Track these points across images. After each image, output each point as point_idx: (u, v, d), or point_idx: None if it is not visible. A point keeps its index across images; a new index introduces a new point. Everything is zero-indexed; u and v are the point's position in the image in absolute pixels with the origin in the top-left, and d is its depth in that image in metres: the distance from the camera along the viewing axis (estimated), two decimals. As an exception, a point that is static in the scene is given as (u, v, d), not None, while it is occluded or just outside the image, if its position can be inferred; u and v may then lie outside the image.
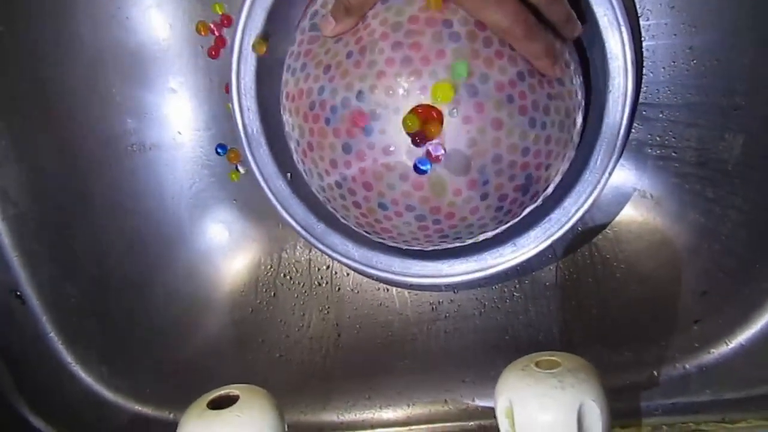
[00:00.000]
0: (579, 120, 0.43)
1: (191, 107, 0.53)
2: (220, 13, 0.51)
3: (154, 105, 0.53)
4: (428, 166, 0.39)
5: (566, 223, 0.47)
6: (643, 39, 0.47)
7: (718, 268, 0.47)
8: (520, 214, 0.45)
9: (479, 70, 0.37)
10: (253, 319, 0.54)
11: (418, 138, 0.38)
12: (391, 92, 0.38)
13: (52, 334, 0.52)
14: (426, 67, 0.37)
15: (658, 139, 0.49)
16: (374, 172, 0.39)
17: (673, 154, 0.49)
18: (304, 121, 0.41)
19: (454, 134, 0.38)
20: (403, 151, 0.38)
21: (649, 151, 0.49)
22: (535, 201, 0.44)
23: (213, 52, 0.52)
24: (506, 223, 0.45)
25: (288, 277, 0.55)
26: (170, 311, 0.55)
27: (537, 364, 0.38)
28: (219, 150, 0.53)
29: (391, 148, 0.39)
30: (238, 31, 0.46)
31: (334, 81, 0.39)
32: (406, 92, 0.38)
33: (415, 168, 0.39)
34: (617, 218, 0.51)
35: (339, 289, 0.54)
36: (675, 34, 0.46)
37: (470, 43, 0.37)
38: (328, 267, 0.55)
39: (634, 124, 0.48)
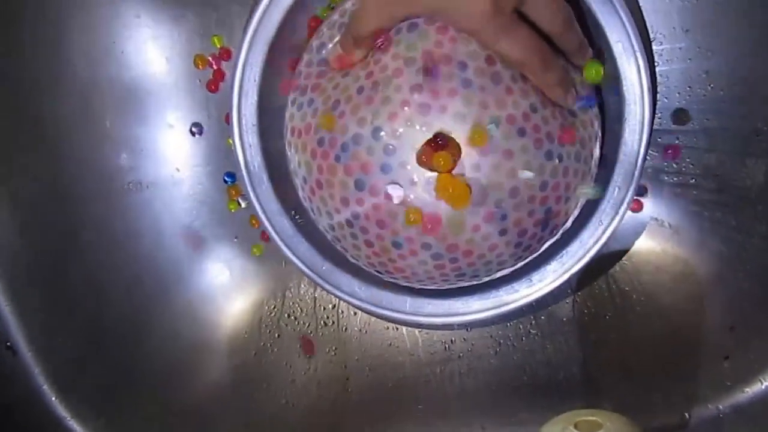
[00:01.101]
0: (596, 150, 0.42)
1: (189, 143, 0.51)
2: (219, 46, 0.49)
3: (150, 141, 0.51)
4: None
5: (584, 256, 0.45)
6: (656, 64, 0.45)
7: (745, 299, 0.45)
8: (539, 249, 0.43)
9: (495, 104, 0.36)
10: (256, 363, 0.52)
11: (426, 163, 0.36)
12: (408, 126, 0.36)
13: (45, 387, 0.49)
14: (445, 101, 0.36)
15: (674, 166, 0.47)
16: (389, 210, 0.38)
17: (691, 181, 0.47)
18: (312, 157, 0.40)
19: (468, 167, 0.37)
20: (421, 186, 0.37)
21: (666, 178, 0.48)
22: (555, 235, 0.42)
23: (212, 86, 0.50)
24: (525, 259, 0.43)
25: (293, 318, 0.53)
26: (169, 356, 0.52)
27: (576, 426, 0.36)
28: (227, 179, 0.51)
29: (412, 185, 0.37)
30: (239, 63, 0.44)
31: (344, 117, 0.38)
32: (424, 127, 0.36)
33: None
34: (634, 248, 0.49)
35: (346, 329, 0.52)
36: (690, 59, 0.45)
37: (480, 78, 0.36)
38: (334, 306, 0.52)
39: (649, 152, 0.47)
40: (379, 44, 0.37)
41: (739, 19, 0.43)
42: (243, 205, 0.51)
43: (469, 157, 0.36)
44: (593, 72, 0.40)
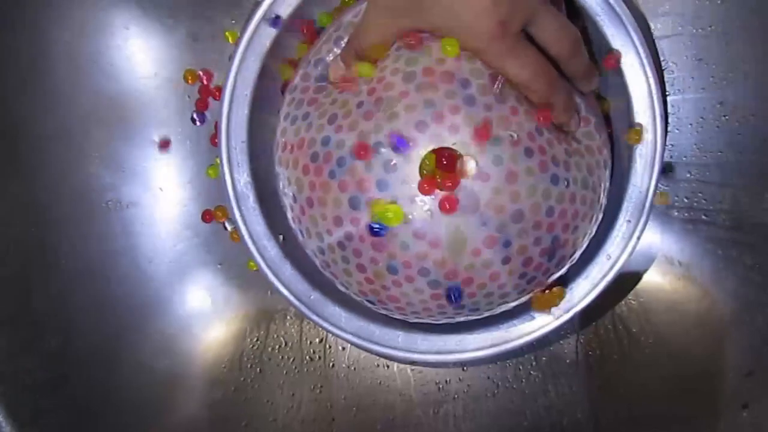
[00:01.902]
0: (605, 177, 0.39)
1: (175, 161, 0.49)
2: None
3: (134, 158, 0.48)
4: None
5: (590, 292, 0.42)
6: (667, 94, 0.43)
7: (764, 343, 0.42)
8: (544, 283, 0.40)
9: (495, 125, 0.34)
10: (236, 399, 0.48)
11: (428, 185, 0.34)
12: (411, 143, 0.34)
13: (2, 421, 0.45)
14: (453, 116, 0.34)
15: (685, 200, 0.45)
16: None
17: (704, 217, 0.44)
18: (304, 173, 0.37)
19: (469, 187, 0.35)
20: (427, 204, 0.34)
21: (676, 213, 0.45)
22: (561, 268, 0.40)
23: (200, 104, 0.48)
24: (529, 293, 0.40)
25: (276, 351, 0.49)
26: (142, 389, 0.48)
27: None
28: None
29: (411, 203, 0.35)
30: (230, 78, 0.42)
31: (341, 132, 0.35)
32: (429, 140, 0.34)
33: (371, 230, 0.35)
34: (643, 286, 0.46)
35: (333, 365, 0.49)
36: (703, 88, 0.43)
37: (484, 96, 0.34)
38: (321, 340, 0.49)
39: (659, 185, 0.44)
40: (410, 42, 0.35)
41: (755, 48, 0.41)
42: (229, 228, 0.49)
43: (471, 176, 0.34)
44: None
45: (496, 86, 0.35)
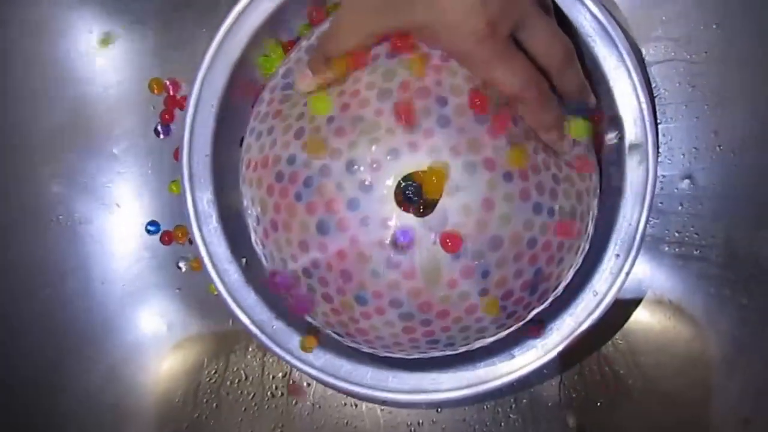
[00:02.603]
0: (594, 206, 0.37)
1: (135, 176, 0.45)
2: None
3: (91, 171, 0.45)
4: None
5: (575, 330, 0.39)
6: (659, 122, 0.41)
7: (761, 389, 0.39)
8: (525, 317, 0.37)
9: (472, 147, 0.32)
10: (188, 437, 0.44)
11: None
12: (389, 159, 0.32)
13: None
14: (426, 139, 0.32)
15: (676, 235, 0.42)
16: (357, 256, 0.32)
17: (696, 252, 0.42)
18: (268, 194, 0.34)
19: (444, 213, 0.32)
20: (394, 227, 0.32)
21: (666, 248, 0.43)
22: (544, 302, 0.37)
23: (165, 115, 0.45)
24: (508, 328, 0.37)
25: (235, 385, 0.45)
26: (86, 421, 0.44)
27: None
28: (150, 228, 0.45)
29: (384, 227, 0.32)
30: (195, 86, 0.39)
31: (308, 148, 0.32)
32: (406, 157, 0.32)
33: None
34: (630, 325, 0.43)
35: (297, 402, 0.45)
36: (697, 117, 0.41)
37: (460, 118, 0.31)
38: (284, 375, 0.45)
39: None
40: (397, 45, 0.32)
41: (752, 76, 0.39)
42: (182, 267, 0.45)
43: (443, 203, 0.32)
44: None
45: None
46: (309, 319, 0.38)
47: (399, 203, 0.32)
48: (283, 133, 0.34)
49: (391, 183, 0.32)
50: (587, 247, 0.37)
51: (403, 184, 0.32)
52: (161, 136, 0.45)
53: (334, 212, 0.32)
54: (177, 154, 0.44)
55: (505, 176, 0.32)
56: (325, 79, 0.34)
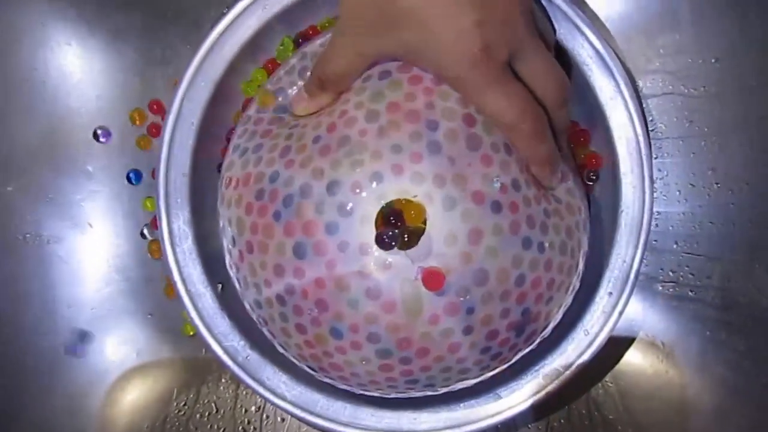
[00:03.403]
0: (584, 241, 0.35)
1: (109, 195, 0.43)
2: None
3: (62, 187, 0.43)
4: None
5: (564, 372, 0.37)
6: (654, 157, 0.40)
7: (757, 442, 0.37)
8: (510, 360, 0.35)
9: (460, 178, 0.30)
10: (152, 474, 0.42)
11: (389, 238, 0.29)
12: (372, 183, 0.30)
13: None
14: (414, 165, 0.30)
15: (671, 274, 0.41)
16: (335, 284, 0.30)
17: (690, 293, 0.40)
18: (246, 213, 0.32)
19: (426, 244, 0.30)
20: (380, 258, 0.30)
21: (660, 288, 0.41)
22: (531, 344, 0.35)
23: (142, 142, 0.43)
24: (492, 369, 0.35)
25: (206, 419, 0.43)
26: (44, 455, 0.41)
27: None
28: (131, 176, 0.43)
29: (363, 254, 0.30)
30: (175, 102, 0.37)
31: (291, 167, 0.31)
32: (390, 183, 0.30)
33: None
34: (621, 368, 0.41)
35: (269, 439, 0.42)
36: (693, 153, 0.40)
37: (451, 144, 0.30)
38: (259, 409, 0.43)
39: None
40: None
41: (751, 112, 0.38)
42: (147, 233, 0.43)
43: (428, 234, 0.30)
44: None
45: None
46: (282, 350, 0.35)
47: (379, 228, 0.30)
48: (269, 151, 0.33)
49: (372, 209, 0.30)
50: (578, 285, 0.35)
51: (386, 209, 0.30)
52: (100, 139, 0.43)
53: (311, 235, 0.30)
54: (155, 174, 0.42)
55: (493, 208, 0.30)
56: (320, 103, 0.33)
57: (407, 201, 0.30)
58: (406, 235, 0.30)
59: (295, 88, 0.36)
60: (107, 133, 0.42)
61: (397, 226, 0.30)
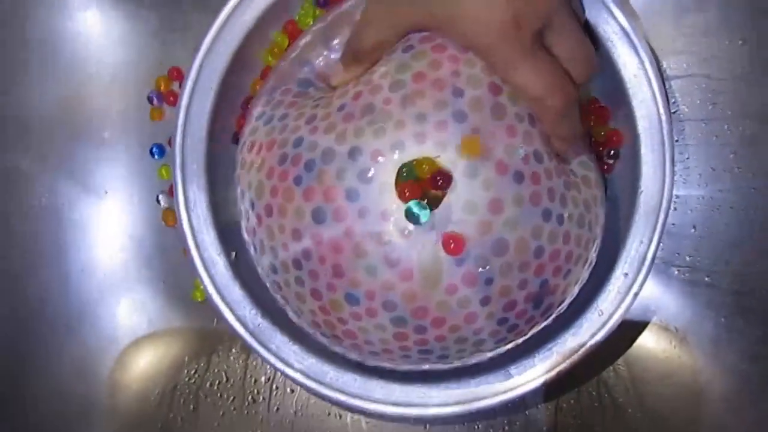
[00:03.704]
0: (601, 215, 0.35)
1: (125, 162, 0.43)
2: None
3: (79, 154, 0.43)
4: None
5: (576, 351, 0.37)
6: (675, 139, 0.39)
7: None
8: (527, 333, 0.35)
9: (486, 145, 0.30)
10: (160, 439, 0.42)
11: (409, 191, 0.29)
12: (394, 150, 0.30)
13: None
14: (438, 133, 0.30)
15: (687, 259, 0.40)
16: (353, 249, 0.30)
17: (706, 278, 0.40)
18: (268, 177, 0.32)
19: (446, 209, 0.30)
20: (398, 227, 0.29)
21: (675, 272, 0.41)
22: (547, 318, 0.35)
23: (171, 97, 0.43)
24: (508, 343, 0.35)
25: (215, 388, 0.43)
26: (52, 417, 0.42)
27: None
28: (154, 150, 0.43)
29: (383, 220, 0.30)
30: (194, 67, 0.37)
31: (315, 133, 0.31)
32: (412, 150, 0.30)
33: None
34: (633, 351, 0.41)
35: (278, 409, 0.42)
36: (716, 136, 0.39)
37: (476, 113, 0.29)
38: (269, 379, 0.43)
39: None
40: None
41: None
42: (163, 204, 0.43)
43: (448, 202, 0.30)
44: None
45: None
46: (295, 318, 0.35)
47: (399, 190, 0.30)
48: (295, 119, 0.33)
49: (393, 175, 0.30)
50: (595, 260, 0.35)
51: (404, 171, 0.30)
52: (154, 102, 0.43)
53: (331, 200, 0.30)
54: (171, 142, 0.42)
55: (516, 178, 0.30)
56: (355, 74, 0.33)
57: (426, 159, 0.29)
58: (426, 200, 0.29)
59: (321, 59, 0.36)
60: (161, 97, 0.42)
61: (419, 191, 0.29)
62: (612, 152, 0.38)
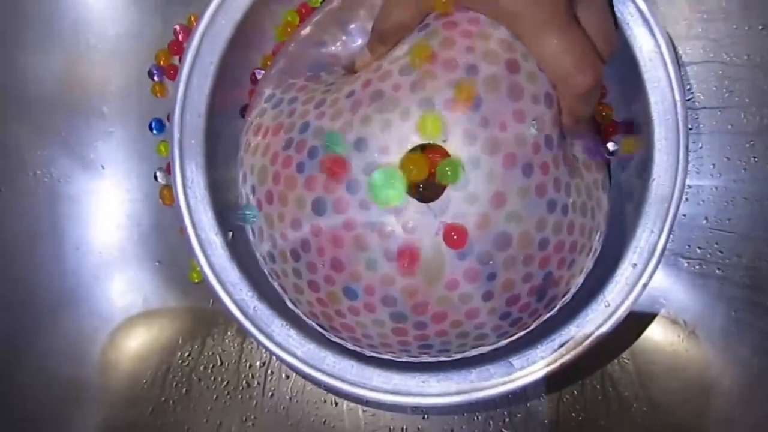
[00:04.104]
0: (604, 201, 0.34)
1: (123, 138, 0.42)
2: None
3: (76, 128, 0.42)
4: None
5: (580, 344, 0.36)
6: (690, 128, 0.38)
7: (778, 428, 0.36)
8: (530, 326, 0.34)
9: (492, 131, 0.28)
10: (151, 423, 0.41)
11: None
12: (399, 141, 0.28)
13: None
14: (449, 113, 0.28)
15: (698, 251, 0.39)
16: (353, 242, 0.29)
17: (718, 271, 0.39)
18: (271, 162, 0.31)
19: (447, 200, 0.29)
20: (400, 219, 0.28)
21: (686, 264, 0.39)
22: (551, 310, 0.34)
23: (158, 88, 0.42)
24: (510, 336, 0.34)
25: (209, 371, 0.42)
26: (44, 397, 0.41)
27: None
28: (153, 125, 0.42)
29: (385, 213, 0.29)
30: (194, 39, 0.36)
31: (322, 118, 0.30)
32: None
33: None
34: (640, 344, 0.40)
35: (273, 394, 0.41)
36: (731, 125, 0.38)
37: (492, 93, 0.28)
38: (264, 364, 0.42)
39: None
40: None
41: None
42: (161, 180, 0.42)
43: (449, 194, 0.28)
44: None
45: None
46: (292, 306, 0.34)
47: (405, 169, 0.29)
48: (303, 104, 0.32)
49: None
50: (599, 249, 0.34)
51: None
52: (155, 77, 0.42)
53: (332, 191, 0.29)
54: (170, 116, 0.41)
55: (524, 169, 0.29)
56: (381, 56, 0.32)
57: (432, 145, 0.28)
58: (421, 186, 0.28)
59: (339, 44, 0.35)
60: (161, 71, 0.41)
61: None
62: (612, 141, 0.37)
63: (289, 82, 0.34)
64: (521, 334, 0.35)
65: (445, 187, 0.29)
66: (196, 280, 0.42)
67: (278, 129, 0.32)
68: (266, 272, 0.35)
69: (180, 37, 0.41)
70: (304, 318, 0.35)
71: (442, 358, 0.35)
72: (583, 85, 0.28)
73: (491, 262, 0.29)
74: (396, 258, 0.29)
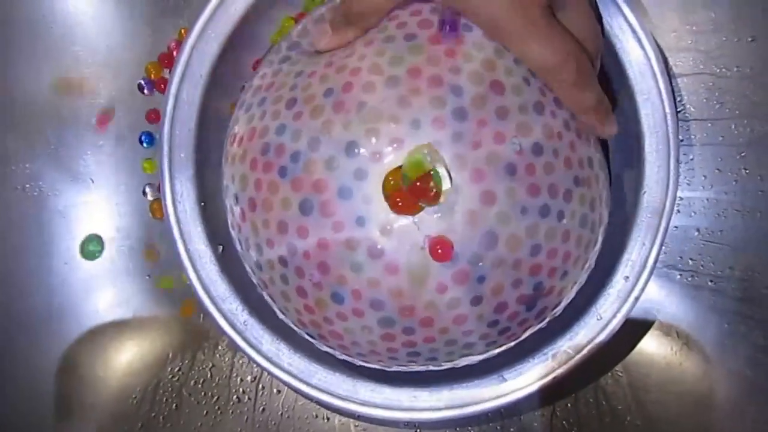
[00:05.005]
0: (605, 216, 0.34)
1: (114, 151, 0.42)
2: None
3: (66, 141, 0.42)
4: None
5: (572, 357, 0.36)
6: (681, 140, 0.38)
7: (772, 440, 0.35)
8: (519, 336, 0.33)
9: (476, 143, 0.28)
10: (141, 438, 0.40)
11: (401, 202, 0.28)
12: (394, 146, 0.28)
13: None
14: (435, 131, 0.28)
15: (690, 262, 0.39)
16: (340, 245, 0.28)
17: (710, 283, 0.39)
18: (251, 168, 0.31)
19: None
20: (386, 225, 0.28)
21: (678, 276, 0.39)
22: (541, 321, 0.33)
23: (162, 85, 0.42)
24: (499, 346, 0.33)
25: (200, 386, 0.42)
26: (31, 414, 0.40)
27: None
28: (144, 138, 0.42)
29: (368, 219, 0.28)
30: (184, 52, 0.36)
31: (300, 119, 0.29)
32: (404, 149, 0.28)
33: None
34: (633, 357, 0.40)
35: (264, 409, 0.41)
36: (722, 137, 0.38)
37: (478, 111, 0.28)
38: (254, 379, 0.42)
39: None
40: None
41: None
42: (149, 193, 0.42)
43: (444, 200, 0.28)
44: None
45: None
46: (281, 316, 0.34)
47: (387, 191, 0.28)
48: (273, 103, 0.31)
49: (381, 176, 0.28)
50: (593, 264, 0.34)
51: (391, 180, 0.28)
52: (145, 91, 0.41)
53: (320, 192, 0.28)
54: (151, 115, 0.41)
55: (508, 170, 0.28)
56: (344, 39, 0.31)
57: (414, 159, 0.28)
58: (399, 201, 0.28)
59: (299, 26, 0.34)
60: (151, 85, 0.41)
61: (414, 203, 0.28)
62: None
63: (257, 85, 0.33)
64: (511, 344, 0.34)
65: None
66: (165, 287, 0.41)
67: (252, 134, 0.31)
68: (255, 282, 0.35)
69: (175, 53, 0.41)
70: (294, 327, 0.34)
71: (431, 367, 0.34)
72: (570, 76, 0.28)
73: (480, 264, 0.29)
74: (380, 259, 0.28)
